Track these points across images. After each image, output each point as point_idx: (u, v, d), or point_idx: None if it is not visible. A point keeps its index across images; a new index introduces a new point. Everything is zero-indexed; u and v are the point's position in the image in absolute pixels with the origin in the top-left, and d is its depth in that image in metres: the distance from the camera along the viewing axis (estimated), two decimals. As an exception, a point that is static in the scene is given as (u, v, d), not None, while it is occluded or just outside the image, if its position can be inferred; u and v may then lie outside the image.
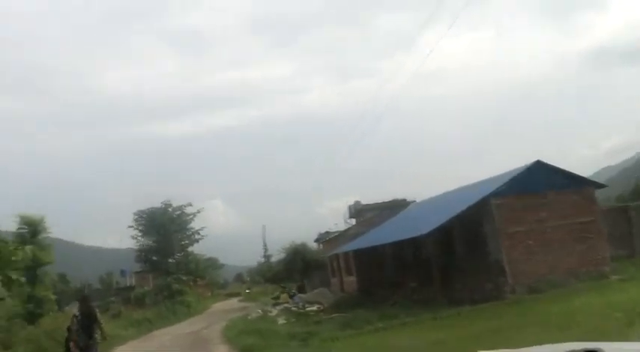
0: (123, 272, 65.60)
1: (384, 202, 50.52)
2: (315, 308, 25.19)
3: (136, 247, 41.39)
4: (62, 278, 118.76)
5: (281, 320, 22.09)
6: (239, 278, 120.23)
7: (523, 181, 19.92)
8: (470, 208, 19.12)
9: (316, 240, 59.47)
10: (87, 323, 11.37)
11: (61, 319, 22.97)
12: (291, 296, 32.44)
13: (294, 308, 26.64)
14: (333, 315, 21.17)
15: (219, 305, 52.94)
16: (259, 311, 27.82)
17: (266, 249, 58.31)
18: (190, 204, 42.44)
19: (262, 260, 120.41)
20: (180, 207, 41.86)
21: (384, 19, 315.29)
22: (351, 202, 55.49)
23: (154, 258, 41.00)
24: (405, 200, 28.57)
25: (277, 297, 38.19)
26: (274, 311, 26.95)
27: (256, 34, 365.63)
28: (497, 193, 19.61)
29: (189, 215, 42.15)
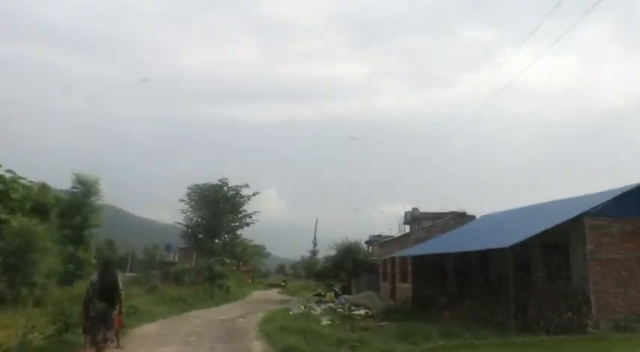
0: (168, 247, 65.24)
1: (442, 212, 49.20)
2: (362, 312, 23.10)
3: (183, 222, 40.21)
4: (109, 244, 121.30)
5: (325, 321, 20.07)
6: (281, 269, 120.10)
7: (625, 203, 17.18)
8: (558, 226, 16.56)
9: (367, 242, 56.25)
10: (107, 290, 9.69)
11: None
12: (337, 296, 30.45)
13: (339, 309, 24.64)
14: (384, 323, 19.06)
15: (259, 294, 51.43)
16: (302, 307, 25.85)
17: (315, 243, 56.51)
18: (247, 186, 40.95)
19: (308, 254, 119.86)
20: (235, 188, 40.39)
21: (467, 32, 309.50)
22: (408, 208, 53.63)
23: (200, 235, 39.67)
24: (464, 213, 26.01)
25: (320, 294, 36.30)
26: (318, 310, 24.95)
27: (339, 32, 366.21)
28: (593, 213, 16.94)
29: (243, 197, 40.66)
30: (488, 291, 19.79)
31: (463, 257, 22.15)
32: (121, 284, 10.11)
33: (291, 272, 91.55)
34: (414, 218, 62.86)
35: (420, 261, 24.03)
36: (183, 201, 39.35)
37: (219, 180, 39.99)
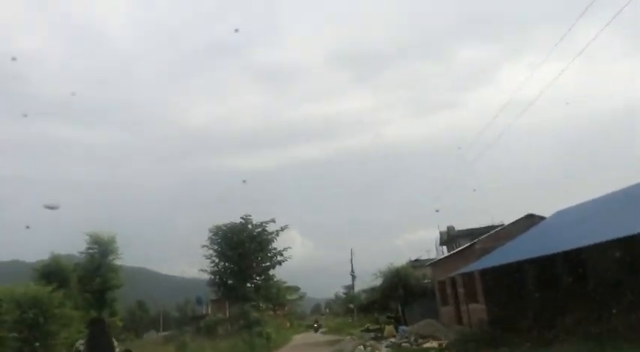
0: (199, 300, 61.88)
1: (480, 227, 44.70)
2: (434, 344, 19.39)
3: (209, 269, 36.82)
4: (140, 305, 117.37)
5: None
6: (317, 309, 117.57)
7: None
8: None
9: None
10: None
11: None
12: (397, 329, 26.73)
13: (404, 344, 20.94)
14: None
15: (301, 338, 47.61)
16: (361, 347, 21.96)
17: (354, 276, 52.64)
18: (273, 221, 37.30)
19: (343, 290, 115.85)
20: (261, 225, 36.81)
21: (465, 51, 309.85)
22: (441, 229, 49.98)
23: (230, 281, 36.17)
24: (532, 214, 22.43)
25: (369, 329, 32.47)
26: (382, 348, 21.17)
27: (338, 69, 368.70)
28: None
29: (271, 233, 37.16)
30: (589, 300, 16.03)
31: (545, 264, 18.46)
32: (117, 349, 6.83)
33: (327, 311, 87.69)
34: (450, 237, 59.20)
35: (490, 276, 20.33)
36: (206, 246, 35.96)
37: (242, 218, 36.55)
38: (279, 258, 36.22)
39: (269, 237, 36.00)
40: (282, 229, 36.43)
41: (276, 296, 40.57)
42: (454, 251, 27.93)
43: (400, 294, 31.42)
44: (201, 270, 35.80)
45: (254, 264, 35.75)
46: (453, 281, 25.18)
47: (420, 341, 20.92)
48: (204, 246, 35.71)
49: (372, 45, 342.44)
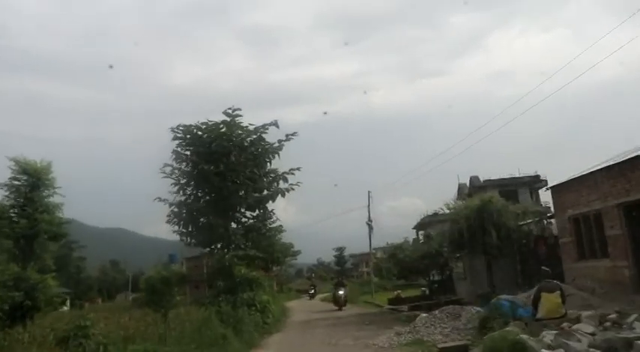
0: (172, 258, 49.29)
1: (512, 177, 38.11)
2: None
3: (171, 199, 22.12)
4: (115, 265, 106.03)
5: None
6: (299, 274, 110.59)
7: None
8: None
9: (414, 227, 46.13)
10: None
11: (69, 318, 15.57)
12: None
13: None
14: None
15: (302, 309, 35.18)
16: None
17: (370, 226, 40.70)
18: (275, 125, 20.80)
19: (334, 254, 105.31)
20: (256, 130, 20.67)
21: (455, 18, 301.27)
22: (465, 180, 42.32)
23: (203, 219, 22.24)
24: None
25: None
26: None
27: (326, 32, 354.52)
28: None
29: (271, 144, 21.04)
30: None
31: None
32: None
33: (313, 275, 75.20)
34: (474, 188, 50.27)
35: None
36: (167, 165, 20.99)
37: (225, 113, 20.20)
38: (282, 184, 22.07)
39: (268, 148, 21.57)
40: (289, 139, 22.41)
41: (272, 250, 27.27)
42: (602, 164, 15.26)
43: (492, 242, 18.57)
44: (159, 199, 22.11)
45: (242, 192, 22.15)
46: (597, 217, 14.51)
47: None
48: (166, 164, 21.79)
49: (358, 9, 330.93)
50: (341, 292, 30.57)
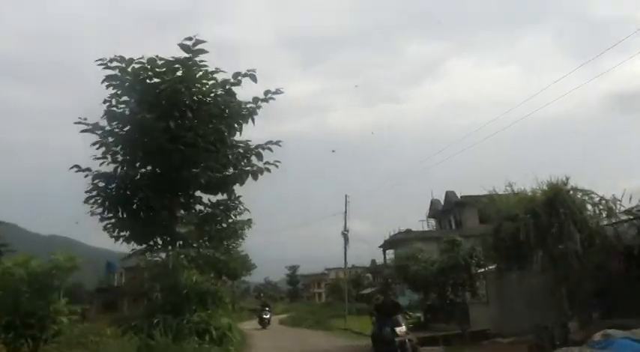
0: (109, 266, 42.22)
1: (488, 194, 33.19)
2: None
3: (97, 171, 15.01)
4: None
5: None
6: (246, 291, 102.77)
7: None
8: None
9: (382, 246, 47.21)
10: None
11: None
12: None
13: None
14: None
15: (261, 335, 28.90)
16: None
17: (346, 236, 36.25)
18: (253, 74, 15.09)
19: (287, 273, 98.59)
20: (225, 82, 14.94)
21: (413, 47, 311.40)
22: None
23: (138, 199, 15.01)
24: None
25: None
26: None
27: (285, 51, 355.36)
28: None
29: (242, 104, 15.13)
30: None
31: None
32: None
33: (262, 295, 70.51)
34: (449, 205, 48.85)
35: None
36: (93, 127, 14.16)
37: (183, 47, 14.21)
38: (255, 161, 14.81)
39: (239, 109, 14.60)
40: (277, 92, 15.26)
41: (235, 254, 20.45)
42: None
43: (575, 248, 12.00)
44: (96, 215, 14.49)
45: (199, 167, 14.93)
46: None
47: None
48: (92, 125, 14.64)
49: (318, 30, 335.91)
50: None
